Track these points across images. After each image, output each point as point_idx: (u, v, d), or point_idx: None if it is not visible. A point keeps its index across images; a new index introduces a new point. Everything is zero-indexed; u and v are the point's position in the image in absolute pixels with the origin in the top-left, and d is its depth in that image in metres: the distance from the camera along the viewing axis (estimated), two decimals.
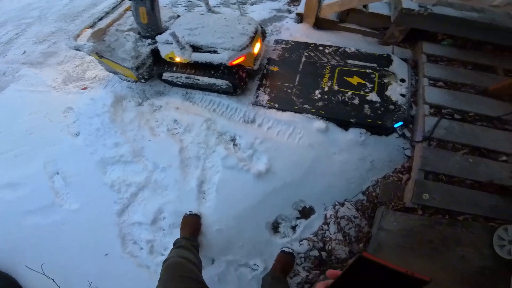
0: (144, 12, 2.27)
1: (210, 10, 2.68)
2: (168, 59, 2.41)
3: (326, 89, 2.52)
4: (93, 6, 4.51)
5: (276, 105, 2.50)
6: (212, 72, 2.34)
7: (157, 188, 2.30)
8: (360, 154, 2.19)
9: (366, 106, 2.37)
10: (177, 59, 2.33)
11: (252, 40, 2.26)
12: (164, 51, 2.37)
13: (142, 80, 2.67)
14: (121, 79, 2.86)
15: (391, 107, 2.34)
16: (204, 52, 2.27)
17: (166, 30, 2.37)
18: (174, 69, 2.46)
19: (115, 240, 2.19)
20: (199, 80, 2.50)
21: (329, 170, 2.16)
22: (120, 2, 2.72)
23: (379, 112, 2.32)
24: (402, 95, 2.40)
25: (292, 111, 2.44)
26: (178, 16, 2.70)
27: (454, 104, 2.27)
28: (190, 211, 2.08)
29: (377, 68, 2.60)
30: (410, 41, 2.91)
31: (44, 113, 2.92)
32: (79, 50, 2.28)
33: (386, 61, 2.65)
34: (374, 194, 2.10)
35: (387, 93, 2.42)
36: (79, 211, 2.34)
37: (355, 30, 3.07)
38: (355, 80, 2.54)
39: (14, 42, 4.11)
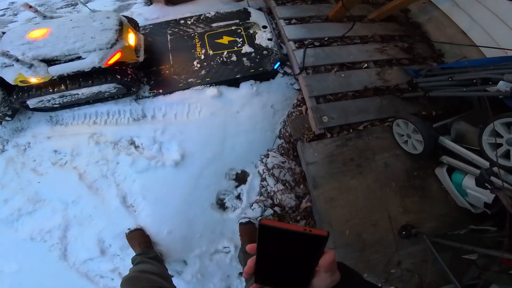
0: None
1: (45, 17, 2.14)
2: (21, 84, 1.90)
3: (202, 57, 2.50)
4: None
5: (161, 91, 2.36)
6: (90, 79, 1.96)
7: (82, 221, 2.01)
8: (260, 103, 2.27)
9: (244, 59, 2.46)
10: (33, 80, 1.85)
11: (121, 33, 1.96)
12: (10, 76, 1.84)
13: (7, 118, 2.11)
14: None
15: (265, 52, 2.50)
16: (64, 62, 1.84)
17: None
18: (38, 92, 1.95)
19: (81, 282, 1.89)
20: (78, 94, 2.06)
21: (241, 128, 2.18)
22: None
23: (257, 60, 2.45)
24: (269, 39, 2.59)
25: (180, 90, 2.36)
26: (3, 33, 2.08)
27: (311, 35, 2.59)
28: (129, 229, 1.90)
29: (240, 23, 2.71)
30: None
31: None
32: None
33: (245, 14, 2.79)
34: (287, 134, 2.21)
35: (257, 42, 2.57)
36: (20, 272, 1.93)
37: None
38: (225, 39, 2.60)
39: None
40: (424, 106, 2.21)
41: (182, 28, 2.73)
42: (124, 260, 1.97)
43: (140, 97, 2.35)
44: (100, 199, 2.04)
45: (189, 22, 2.75)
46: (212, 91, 2.30)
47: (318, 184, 1.97)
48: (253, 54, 2.49)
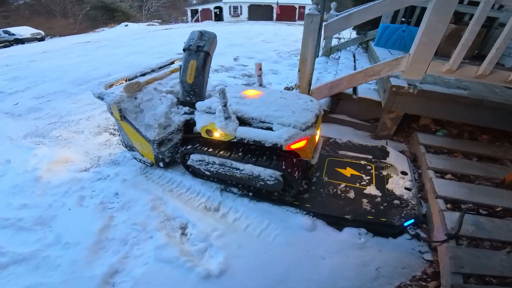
0: (193, 67, 1.98)
1: (261, 85, 2.27)
2: (204, 134, 1.92)
3: (313, 179, 2.09)
4: (107, 76, 4.83)
5: (250, 194, 2.03)
6: (258, 157, 1.79)
7: (42, 265, 1.65)
8: (359, 259, 1.70)
9: (365, 201, 1.90)
10: (216, 134, 1.84)
11: (317, 121, 1.81)
12: (202, 122, 1.88)
13: (160, 164, 2.20)
14: (135, 158, 2.33)
15: (396, 202, 1.88)
16: (255, 127, 1.77)
17: (208, 99, 1.99)
18: (207, 149, 1.91)
19: None
20: (237, 169, 1.86)
21: (315, 277, 1.61)
22: (169, 64, 2.50)
23: (382, 208, 1.84)
24: (407, 189, 1.96)
25: (270, 202, 1.97)
26: (225, 86, 2.48)
27: (473, 198, 1.85)
28: None
29: (373, 160, 2.27)
30: (403, 133, 2.72)
31: None
32: (102, 99, 1.89)
33: (381, 152, 2.36)
34: None
35: (388, 187, 2.00)
36: None
37: (346, 121, 2.89)
38: (348, 171, 2.17)
39: (17, 94, 4.29)
40: None
41: None
42: None
43: (228, 190, 2.09)
44: (89, 258, 1.68)
45: None
46: (305, 220, 1.87)
47: None
48: (379, 199, 1.91)
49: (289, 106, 1.81)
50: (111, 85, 2.04)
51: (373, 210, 1.83)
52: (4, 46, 11.54)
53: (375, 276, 1.63)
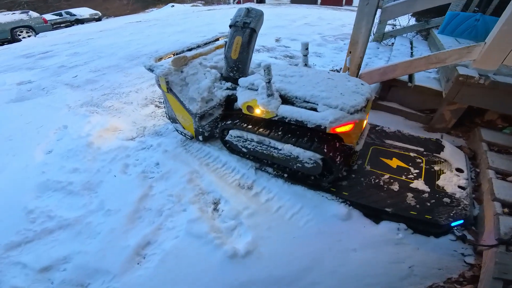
0: (238, 44, 1.97)
1: (306, 65, 2.17)
2: (244, 110, 1.88)
3: (354, 167, 1.98)
4: (155, 52, 5.10)
5: (285, 175, 1.98)
6: (298, 138, 1.74)
7: (83, 232, 1.77)
8: (393, 255, 1.59)
9: (409, 195, 1.75)
10: (257, 111, 1.80)
11: (366, 106, 1.70)
12: (243, 98, 1.85)
13: (200, 137, 2.28)
14: (177, 131, 2.42)
15: (446, 200, 1.70)
16: (298, 107, 1.70)
17: (251, 75, 1.96)
18: (246, 126, 1.90)
19: None
20: (276, 148, 1.81)
21: (343, 270, 1.54)
22: (214, 41, 2.56)
23: (428, 204, 1.68)
24: (461, 188, 1.76)
25: (305, 186, 1.91)
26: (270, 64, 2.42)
27: None
28: None
29: (424, 152, 2.06)
30: (462, 128, 2.42)
31: (38, 125, 2.85)
32: (152, 71, 1.98)
33: (435, 146, 2.13)
34: None
35: (439, 183, 1.81)
36: None
37: (397, 110, 2.64)
38: (394, 162, 2.00)
39: (76, 68, 4.72)
40: None
41: None
42: None
43: (263, 169, 2.06)
44: (127, 227, 1.76)
45: None
46: (340, 208, 1.77)
47: None
48: (426, 195, 1.74)
49: (337, 88, 1.70)
50: (160, 59, 2.13)
51: (417, 206, 1.67)
52: (66, 26, 12.62)
53: (406, 274, 1.54)
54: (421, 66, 2.27)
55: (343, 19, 7.97)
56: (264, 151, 1.88)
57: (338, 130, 1.57)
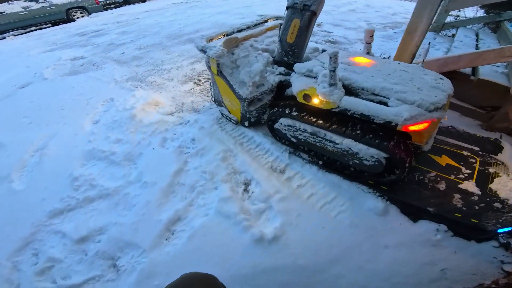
0: (296, 27, 1.81)
1: (369, 53, 2.00)
2: (300, 98, 1.76)
3: None
4: (195, 32, 5.28)
5: (320, 162, 1.90)
6: (362, 134, 1.59)
7: (121, 203, 1.85)
8: (428, 257, 1.51)
9: (457, 196, 1.60)
10: (315, 101, 1.67)
11: (448, 103, 1.52)
12: (300, 86, 1.72)
13: (246, 123, 2.23)
14: (223, 115, 2.36)
15: (497, 205, 1.54)
16: (364, 99, 1.55)
17: (307, 61, 1.82)
18: (299, 115, 1.77)
19: (16, 243, 1.71)
20: (331, 141, 1.68)
21: (371, 266, 1.48)
22: (264, 22, 2.47)
23: (477, 208, 1.54)
24: None
25: (341, 176, 1.82)
26: (324, 50, 2.12)
27: None
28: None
29: (479, 152, 1.86)
30: None
31: (88, 97, 3.06)
32: (204, 52, 1.89)
33: (492, 146, 1.92)
34: None
35: (493, 186, 1.64)
36: (18, 193, 2.00)
37: (453, 104, 2.41)
38: (443, 160, 1.84)
39: (124, 45, 4.97)
40: None
41: None
42: (78, 264, 1.60)
43: (297, 154, 2.00)
44: (161, 200, 1.81)
45: None
46: (376, 202, 1.67)
47: None
48: (476, 197, 1.59)
49: (413, 81, 1.52)
50: (211, 39, 2.06)
51: (464, 208, 1.53)
52: (115, 7, 13.23)
53: (437, 277, 1.46)
54: (491, 59, 2.01)
55: (394, 8, 7.36)
56: (317, 143, 1.76)
57: (412, 128, 1.43)
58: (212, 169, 1.94)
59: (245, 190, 1.83)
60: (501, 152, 1.86)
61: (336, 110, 1.59)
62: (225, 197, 1.75)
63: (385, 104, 1.46)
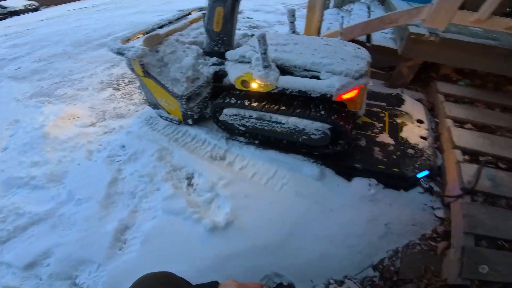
0: (220, 15, 1.76)
1: (294, 32, 2.04)
2: (238, 85, 1.74)
3: None
4: (107, 36, 4.81)
5: (257, 141, 1.96)
6: (303, 110, 1.62)
7: (59, 224, 1.68)
8: (369, 213, 1.62)
9: (376, 149, 1.82)
10: (253, 85, 1.67)
11: (369, 69, 1.65)
12: (236, 73, 1.70)
13: (189, 121, 2.07)
14: (161, 117, 2.21)
15: (411, 151, 1.79)
16: (298, 76, 1.60)
17: (238, 48, 1.80)
18: (242, 102, 1.74)
19: None
20: (279, 122, 1.70)
21: (324, 233, 1.55)
22: (187, 15, 2.29)
23: (395, 157, 1.76)
24: (423, 138, 1.87)
25: (277, 149, 1.90)
26: (253, 35, 2.12)
27: (494, 150, 1.74)
28: None
29: (387, 107, 2.15)
30: (420, 83, 2.58)
31: None
32: (122, 55, 1.73)
33: (396, 100, 2.23)
34: (392, 269, 1.47)
35: (402, 135, 1.90)
36: None
37: None
38: (360, 119, 2.05)
39: (18, 59, 4.27)
40: None
41: None
42: None
43: (234, 138, 2.03)
44: (102, 213, 1.69)
45: None
46: (312, 168, 1.78)
47: None
48: (392, 147, 1.82)
49: (337, 53, 1.62)
50: (128, 40, 1.88)
51: (385, 160, 1.74)
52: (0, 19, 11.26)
53: (384, 232, 1.58)
54: (376, 26, 2.35)
55: None
56: (265, 127, 1.76)
57: (345, 97, 1.52)
58: (149, 171, 1.84)
59: (189, 184, 1.80)
60: (403, 104, 2.18)
61: (276, 91, 1.63)
62: (169, 195, 1.69)
63: (318, 78, 1.54)
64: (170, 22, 2.16)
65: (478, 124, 1.95)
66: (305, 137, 1.69)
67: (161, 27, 2.08)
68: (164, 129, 2.16)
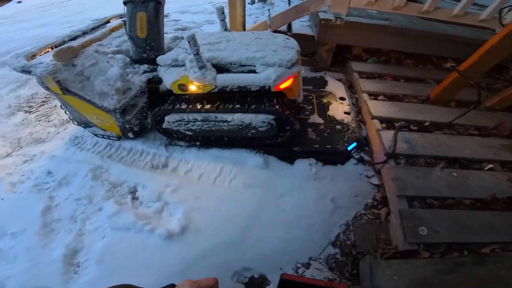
0: (143, 20, 1.63)
1: (226, 29, 2.06)
2: (176, 90, 1.68)
3: None
4: (6, 54, 4.13)
5: (198, 143, 1.96)
6: (245, 105, 1.64)
7: (0, 258, 1.51)
8: (316, 191, 1.71)
9: (310, 130, 1.96)
10: (192, 88, 1.63)
11: (299, 58, 1.71)
12: (171, 77, 1.64)
13: (130, 135, 1.90)
14: (97, 135, 2.03)
15: (338, 127, 1.98)
16: (235, 73, 1.61)
17: (170, 52, 1.74)
18: (183, 107, 1.70)
19: None
20: (224, 121, 1.70)
21: (280, 218, 1.60)
22: (106, 23, 2.06)
23: (326, 135, 1.92)
24: (347, 113, 2.08)
25: (218, 147, 1.93)
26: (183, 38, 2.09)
27: (405, 115, 2.02)
28: None
29: (313, 90, 2.34)
30: (339, 64, 2.91)
31: None
32: (29, 73, 1.51)
33: (320, 82, 2.45)
34: (348, 243, 1.55)
35: (330, 113, 2.10)
36: None
37: None
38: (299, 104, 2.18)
39: None
40: None
41: None
42: None
43: (173, 143, 1.99)
44: (42, 242, 1.54)
45: None
46: (256, 158, 1.85)
47: None
48: (322, 126, 1.99)
49: (269, 46, 1.68)
50: (33, 56, 1.67)
51: (318, 139, 1.89)
52: None
53: (332, 208, 1.66)
54: (293, 15, 2.55)
55: None
56: (213, 128, 1.75)
57: (282, 86, 1.57)
58: (86, 192, 1.71)
59: (134, 198, 1.71)
60: (327, 85, 2.40)
61: (216, 90, 1.61)
62: (114, 212, 1.60)
63: (254, 71, 1.58)
64: (85, 33, 1.99)
65: (388, 94, 2.27)
66: (254, 131, 1.72)
67: (73, 38, 1.90)
68: (94, 147, 2.00)
